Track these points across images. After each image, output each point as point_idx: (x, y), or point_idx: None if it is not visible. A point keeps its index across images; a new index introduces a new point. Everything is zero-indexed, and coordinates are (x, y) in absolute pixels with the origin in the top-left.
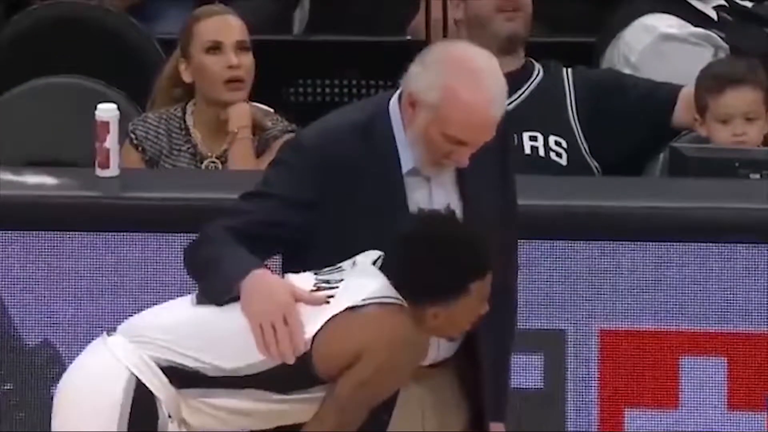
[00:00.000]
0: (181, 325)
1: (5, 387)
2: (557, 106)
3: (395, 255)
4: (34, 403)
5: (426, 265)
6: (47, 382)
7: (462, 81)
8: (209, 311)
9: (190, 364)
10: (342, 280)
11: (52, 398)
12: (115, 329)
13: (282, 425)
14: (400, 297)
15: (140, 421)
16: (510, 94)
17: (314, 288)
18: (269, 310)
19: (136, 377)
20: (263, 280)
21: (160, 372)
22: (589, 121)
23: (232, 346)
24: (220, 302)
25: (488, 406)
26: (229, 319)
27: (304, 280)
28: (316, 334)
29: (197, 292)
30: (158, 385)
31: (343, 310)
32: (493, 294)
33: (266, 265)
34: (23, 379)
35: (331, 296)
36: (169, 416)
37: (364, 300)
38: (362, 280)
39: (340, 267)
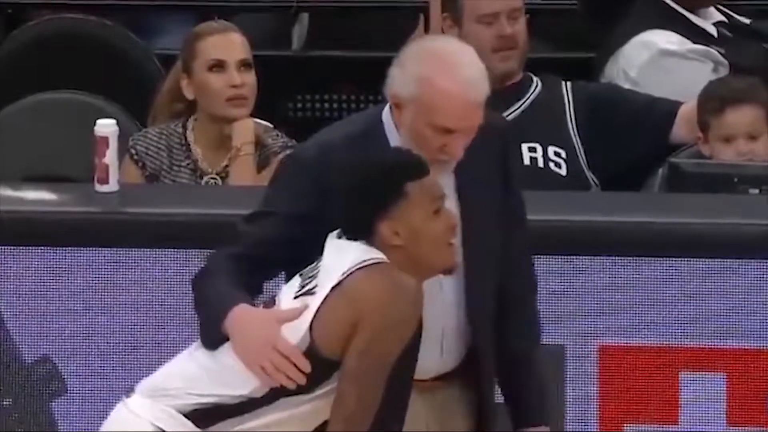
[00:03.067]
0: (192, 369)
1: (4, 402)
2: (556, 117)
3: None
4: (32, 418)
5: (353, 188)
6: (46, 398)
7: (436, 69)
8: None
9: (210, 401)
10: (320, 268)
11: (50, 413)
12: (133, 390)
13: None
14: (380, 256)
15: None
16: (508, 107)
17: (299, 289)
18: (259, 349)
19: (161, 429)
20: (242, 320)
21: (183, 418)
22: (588, 133)
23: (243, 372)
24: (213, 348)
25: (489, 420)
26: (230, 349)
27: (290, 287)
28: (312, 323)
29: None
30: None
31: (330, 291)
32: (505, 301)
33: (245, 298)
34: (22, 394)
35: (315, 286)
36: None
37: (344, 274)
38: (338, 257)
39: (318, 259)
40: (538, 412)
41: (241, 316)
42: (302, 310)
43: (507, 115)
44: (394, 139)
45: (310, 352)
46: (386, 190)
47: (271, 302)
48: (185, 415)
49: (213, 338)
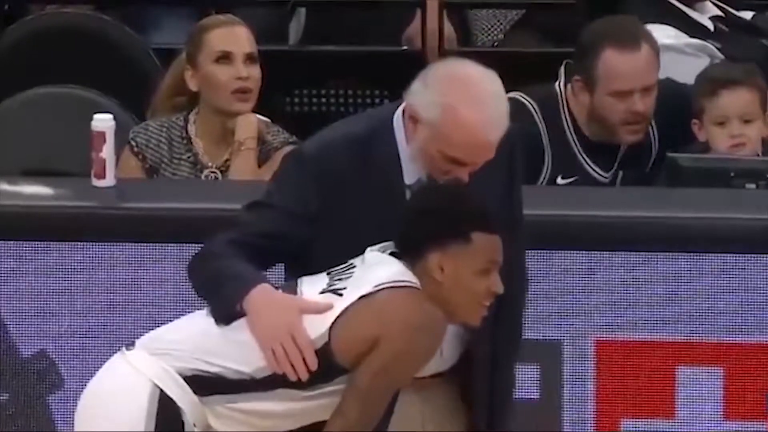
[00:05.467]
0: (199, 334)
1: (1, 397)
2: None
3: (401, 222)
4: (29, 413)
5: (427, 210)
6: (42, 393)
7: (462, 101)
8: None
9: (211, 370)
10: (354, 273)
11: (47, 408)
12: (133, 343)
13: (308, 424)
14: (414, 281)
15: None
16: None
17: (326, 286)
18: (276, 332)
19: (159, 388)
20: (266, 299)
21: (182, 381)
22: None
23: (250, 350)
24: (226, 323)
25: (480, 418)
26: (244, 325)
27: (317, 281)
28: (333, 324)
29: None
30: (181, 395)
31: (357, 299)
32: (498, 305)
33: (267, 279)
34: (19, 389)
35: (344, 288)
36: (194, 425)
37: (376, 287)
38: (374, 269)
39: (351, 263)
40: (499, 418)
41: (265, 295)
42: (327, 307)
43: (612, 178)
44: (402, 145)
45: (323, 352)
46: (455, 227)
47: (291, 290)
48: (185, 379)
49: (228, 314)
